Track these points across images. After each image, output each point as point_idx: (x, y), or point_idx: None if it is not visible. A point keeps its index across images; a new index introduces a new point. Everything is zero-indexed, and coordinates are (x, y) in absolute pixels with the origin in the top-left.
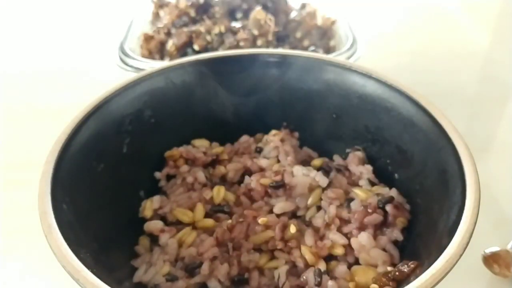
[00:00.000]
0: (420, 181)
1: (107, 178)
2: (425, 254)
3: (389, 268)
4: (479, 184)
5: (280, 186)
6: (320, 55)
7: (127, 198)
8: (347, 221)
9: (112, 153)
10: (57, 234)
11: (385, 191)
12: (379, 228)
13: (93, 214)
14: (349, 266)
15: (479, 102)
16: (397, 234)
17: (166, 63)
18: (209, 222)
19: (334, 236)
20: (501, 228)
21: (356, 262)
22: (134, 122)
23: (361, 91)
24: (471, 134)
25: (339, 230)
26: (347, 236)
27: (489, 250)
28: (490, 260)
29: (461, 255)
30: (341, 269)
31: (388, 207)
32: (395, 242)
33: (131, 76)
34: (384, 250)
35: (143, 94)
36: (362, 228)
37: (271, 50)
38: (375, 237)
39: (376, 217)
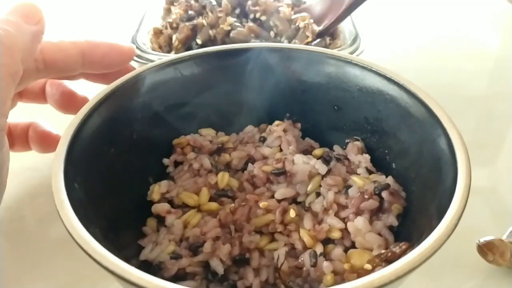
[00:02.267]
0: (415, 169)
1: (117, 162)
2: (417, 236)
3: (383, 251)
4: (470, 170)
5: (282, 173)
6: (322, 49)
7: (136, 182)
8: (344, 207)
9: (123, 139)
10: (68, 209)
11: (382, 178)
12: (375, 214)
13: (104, 195)
14: (346, 250)
15: (485, 99)
16: (392, 220)
17: (175, 55)
18: (213, 205)
19: (331, 221)
20: (501, 221)
21: (353, 246)
22: (144, 110)
23: (361, 83)
24: (477, 129)
25: (336, 215)
26: (344, 220)
27: (483, 239)
28: (485, 248)
29: (449, 236)
30: (337, 251)
31: (384, 194)
32: (391, 228)
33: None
34: (379, 234)
35: (153, 84)
36: (358, 213)
37: (275, 44)
38: (371, 222)
39: (372, 203)
